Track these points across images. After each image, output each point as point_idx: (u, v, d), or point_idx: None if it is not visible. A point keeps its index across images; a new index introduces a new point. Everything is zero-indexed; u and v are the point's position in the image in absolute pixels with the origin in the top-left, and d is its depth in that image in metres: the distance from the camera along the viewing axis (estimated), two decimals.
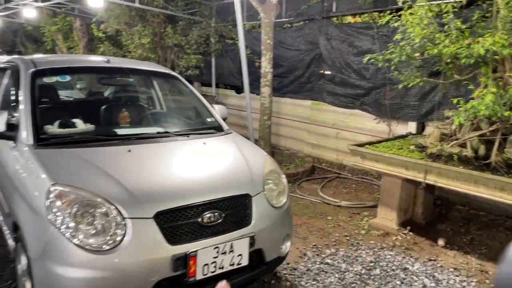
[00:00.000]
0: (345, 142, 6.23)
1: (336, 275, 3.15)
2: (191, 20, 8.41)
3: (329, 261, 3.37)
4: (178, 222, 2.22)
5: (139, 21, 8.00)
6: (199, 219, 2.27)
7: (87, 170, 2.30)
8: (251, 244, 2.43)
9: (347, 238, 3.86)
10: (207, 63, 8.79)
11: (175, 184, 2.36)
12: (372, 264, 3.33)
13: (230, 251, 2.33)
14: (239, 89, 8.82)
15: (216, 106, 3.63)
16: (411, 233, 3.91)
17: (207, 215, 2.30)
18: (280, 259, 2.78)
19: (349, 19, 6.12)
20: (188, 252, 2.16)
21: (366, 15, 5.86)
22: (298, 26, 6.89)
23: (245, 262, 2.41)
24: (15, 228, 2.45)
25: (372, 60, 3.98)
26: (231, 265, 2.35)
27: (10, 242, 2.76)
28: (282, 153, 6.84)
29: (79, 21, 11.54)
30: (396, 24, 3.79)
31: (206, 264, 2.25)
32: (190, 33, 8.28)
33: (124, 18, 8.16)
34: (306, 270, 3.21)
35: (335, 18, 6.35)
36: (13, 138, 2.67)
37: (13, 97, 3.15)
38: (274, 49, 6.56)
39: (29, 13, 10.08)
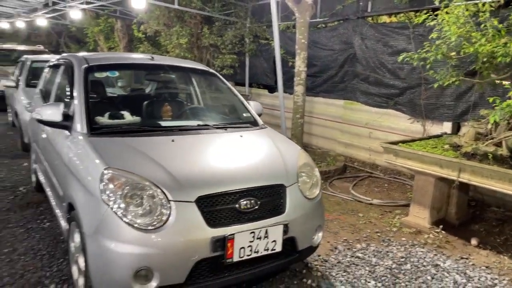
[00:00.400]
0: (378, 142, 6.22)
1: (367, 268, 3.22)
2: (227, 21, 8.63)
3: (359, 255, 3.44)
4: (217, 207, 2.37)
5: (177, 22, 8.30)
6: (237, 205, 2.42)
7: (135, 157, 2.50)
8: (285, 231, 2.55)
9: (378, 234, 3.91)
10: (241, 62, 8.99)
11: (215, 172, 2.52)
12: (403, 259, 3.38)
13: (265, 237, 2.47)
14: (271, 89, 8.96)
15: (252, 102, 3.78)
16: (443, 232, 3.91)
17: (244, 201, 2.44)
18: (312, 249, 2.88)
19: (384, 18, 6.13)
20: (226, 235, 2.32)
21: (401, 14, 5.85)
22: (332, 26, 6.95)
23: (278, 248, 2.54)
24: (70, 209, 2.70)
25: (407, 58, 4.01)
26: (265, 250, 2.49)
27: (63, 224, 3.02)
28: (314, 151, 6.91)
29: (120, 23, 12.05)
30: (432, 23, 3.81)
31: (243, 247, 2.39)
32: (226, 34, 8.51)
33: (163, 19, 8.49)
34: (337, 263, 3.30)
35: (370, 18, 6.37)
36: (67, 128, 2.93)
37: (67, 91, 3.44)
38: (308, 49, 6.66)
39: (75, 14, 10.64)
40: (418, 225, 4.03)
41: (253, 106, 3.72)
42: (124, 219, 2.19)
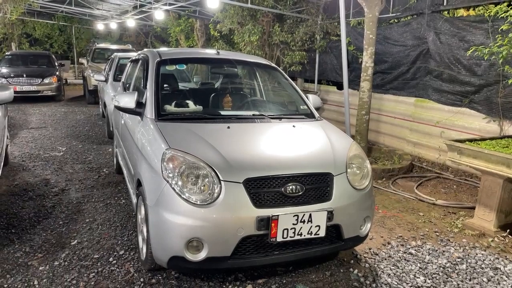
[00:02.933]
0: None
1: (418, 264, 3.17)
2: (298, 18, 8.75)
3: (413, 251, 3.38)
4: (263, 189, 2.54)
5: (250, 20, 8.61)
6: (282, 189, 2.56)
7: (194, 140, 2.76)
8: (329, 218, 2.64)
9: (437, 234, 3.78)
10: (310, 59, 9.06)
11: (263, 157, 2.70)
12: (459, 259, 3.26)
13: (309, 221, 2.58)
14: (341, 86, 8.89)
15: (310, 96, 3.88)
16: (510, 236, 3.67)
17: (290, 186, 2.58)
18: (358, 239, 2.93)
19: (461, 12, 5.79)
20: (271, 216, 2.48)
21: (480, 7, 5.49)
22: (405, 21, 6.73)
23: (322, 233, 2.64)
24: (138, 185, 3.06)
25: (477, 53, 3.81)
26: (308, 233, 2.60)
27: (134, 199, 3.41)
28: (380, 149, 6.77)
29: (199, 22, 12.76)
30: (505, 15, 3.58)
31: (286, 229, 2.53)
32: (296, 31, 8.63)
33: (237, 18, 8.86)
34: (388, 257, 3.29)
35: (445, 12, 6.06)
36: (140, 114, 3.30)
37: (142, 81, 3.85)
38: (378, 45, 6.54)
39: (159, 15, 11.50)
40: (482, 227, 3.83)
41: (311, 100, 3.82)
42: (180, 194, 2.46)
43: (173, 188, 2.47)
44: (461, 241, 3.63)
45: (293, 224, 2.55)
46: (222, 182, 2.49)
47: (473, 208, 4.33)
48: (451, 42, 5.82)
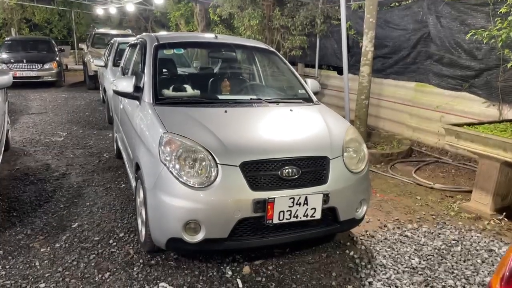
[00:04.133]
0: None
1: (414, 246, 3.21)
2: (299, 2, 8.66)
3: (408, 234, 3.43)
4: (260, 172, 2.57)
5: (250, 4, 8.52)
6: (278, 172, 2.59)
7: (191, 124, 2.78)
8: (325, 201, 2.67)
9: (433, 217, 3.82)
10: (311, 44, 8.99)
11: (260, 141, 2.72)
12: (454, 242, 3.30)
13: (305, 203, 2.61)
14: (341, 71, 8.83)
15: (309, 80, 3.88)
16: (506, 220, 3.71)
17: (286, 169, 2.61)
18: (354, 221, 2.97)
19: None
20: (267, 198, 2.51)
21: None
22: (406, 5, 6.66)
23: (318, 215, 2.67)
24: (137, 169, 3.09)
25: (476, 36, 3.79)
26: (304, 216, 2.64)
27: (133, 182, 3.44)
28: (380, 134, 6.78)
29: (199, 7, 12.64)
30: None
31: (282, 211, 2.57)
32: (297, 15, 8.55)
33: (237, 2, 8.78)
34: (383, 239, 3.33)
35: None
36: (138, 98, 3.31)
37: (140, 66, 3.84)
38: (379, 29, 6.48)
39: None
40: (478, 211, 3.86)
41: (309, 84, 3.82)
42: (178, 177, 2.49)
43: (170, 172, 2.50)
44: (457, 224, 3.68)
45: (289, 206, 2.58)
46: (219, 166, 2.52)
47: (470, 191, 4.36)
48: (452, 26, 5.78)
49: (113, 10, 17.17)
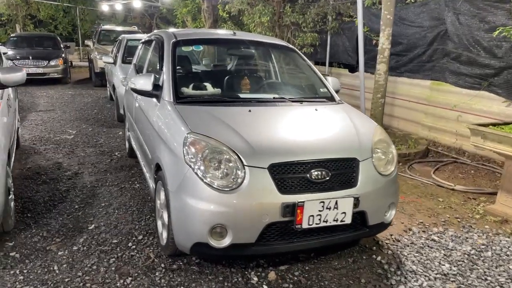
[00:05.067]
0: (467, 126, 5.81)
1: (442, 251, 3.10)
2: None
3: (435, 238, 3.32)
4: (288, 175, 2.46)
5: (260, 1, 8.39)
6: (308, 175, 2.48)
7: (215, 124, 2.68)
8: (355, 204, 2.56)
9: (458, 220, 3.71)
10: (322, 41, 8.86)
11: (288, 142, 2.61)
12: (483, 246, 3.19)
13: (335, 208, 2.51)
14: (352, 68, 8.72)
15: (330, 78, 3.78)
16: None
17: (315, 172, 2.50)
18: (383, 225, 2.86)
19: None
20: (296, 202, 2.40)
21: None
22: (422, 1, 6.52)
23: (348, 220, 2.57)
24: (157, 170, 2.99)
25: (504, 33, 3.67)
26: (334, 220, 2.53)
27: (151, 184, 3.34)
28: (395, 133, 6.66)
29: (206, 3, 12.49)
30: None
31: (312, 216, 2.46)
32: (308, 11, 8.42)
33: None
34: (410, 243, 3.22)
35: None
36: (156, 96, 3.21)
37: (157, 63, 3.74)
38: (393, 26, 6.34)
39: None
40: (505, 214, 3.74)
41: (330, 82, 3.72)
42: (203, 179, 2.38)
43: (196, 173, 2.40)
44: (484, 227, 3.56)
45: (319, 210, 2.48)
46: (246, 168, 2.41)
47: (493, 193, 4.26)
48: (471, 23, 5.64)
49: (119, 6, 17.07)
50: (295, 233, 2.52)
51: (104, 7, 19.32)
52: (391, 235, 3.34)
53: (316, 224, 2.49)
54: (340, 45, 8.64)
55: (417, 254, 3.05)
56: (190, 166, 2.42)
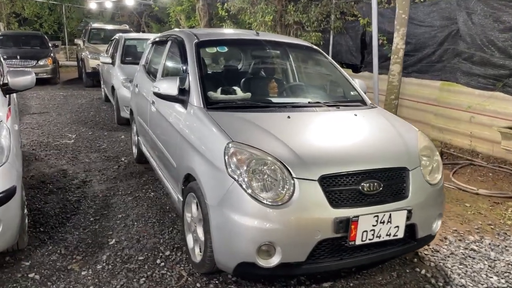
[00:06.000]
0: (481, 127, 5.75)
1: (485, 262, 2.97)
2: None
3: (474, 247, 3.19)
4: (340, 187, 2.28)
5: None
6: (360, 187, 2.31)
7: (256, 132, 2.48)
8: (408, 217, 2.41)
9: (492, 227, 3.59)
10: (325, 41, 8.71)
11: (337, 151, 2.43)
12: None
13: (388, 222, 2.34)
14: (356, 68, 8.60)
15: (357, 80, 3.61)
16: None
17: (367, 183, 2.33)
18: (430, 238, 2.71)
19: None
20: (351, 217, 2.23)
21: None
22: (432, 1, 6.43)
23: (400, 234, 2.41)
24: (186, 180, 2.78)
25: None
26: (387, 235, 2.37)
27: (174, 194, 3.12)
28: None
29: (202, 1, 12.24)
30: None
31: (365, 231, 2.29)
32: (310, 10, 8.26)
33: None
34: (450, 254, 3.08)
35: None
36: (183, 102, 2.99)
37: (177, 65, 3.52)
38: None
39: None
40: None
41: (358, 84, 3.55)
42: (250, 193, 2.18)
43: (242, 187, 2.20)
44: None
45: (373, 225, 2.31)
46: (295, 180, 2.22)
47: None
48: (484, 23, 5.56)
49: (108, 4, 16.62)
50: (345, 249, 2.35)
51: (92, 5, 18.83)
52: (428, 245, 3.19)
53: (370, 240, 2.32)
54: (343, 45, 8.52)
55: (461, 266, 2.91)
56: (235, 179, 2.22)
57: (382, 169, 2.41)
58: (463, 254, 3.08)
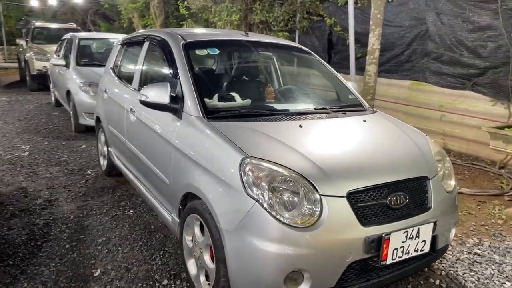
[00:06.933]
0: (451, 126, 5.88)
1: (493, 266, 2.93)
2: None
3: (478, 251, 3.15)
4: (368, 203, 2.10)
5: None
6: (387, 201, 2.14)
7: (270, 144, 2.22)
8: (433, 230, 2.27)
9: (486, 228, 3.60)
10: (292, 41, 8.59)
11: (361, 162, 2.23)
12: None
13: (416, 237, 2.19)
14: None
15: (350, 83, 3.47)
16: None
17: (394, 197, 2.16)
18: (446, 248, 2.60)
19: None
20: (383, 235, 2.05)
21: None
22: (400, 1, 6.49)
23: (427, 248, 2.27)
24: (184, 199, 2.47)
25: None
26: (415, 251, 2.22)
27: (168, 215, 2.79)
28: None
29: None
30: None
31: (396, 249, 2.13)
32: (274, 10, 8.09)
33: None
34: (456, 260, 3.02)
35: None
36: (175, 110, 2.66)
37: (162, 70, 3.17)
38: (368, 26, 6.24)
39: None
40: None
41: (352, 88, 3.41)
42: (275, 215, 1.93)
43: (265, 209, 1.94)
44: None
45: (402, 242, 2.15)
46: (322, 198, 2.00)
47: (499, 195, 4.28)
48: (454, 23, 5.67)
49: (53, 1, 15.45)
50: (372, 269, 2.16)
51: (34, 2, 17.46)
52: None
53: (399, 257, 2.16)
54: (309, 45, 8.43)
55: (472, 273, 2.84)
56: (257, 200, 1.96)
57: (406, 180, 2.25)
58: (469, 260, 3.02)
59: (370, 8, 6.33)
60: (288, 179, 2.01)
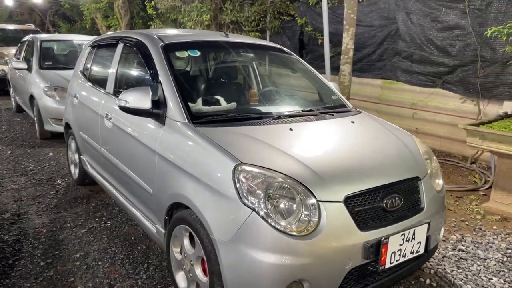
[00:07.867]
0: (423, 123, 6.01)
1: (478, 262, 2.98)
2: None
3: (462, 247, 3.19)
4: (364, 207, 2.05)
5: None
6: (383, 204, 2.11)
7: (262, 149, 2.14)
8: (427, 230, 2.27)
9: (466, 223, 3.67)
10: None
11: (355, 165, 2.19)
12: (509, 251, 3.16)
13: (412, 238, 2.18)
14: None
15: (331, 83, 3.44)
16: None
17: (389, 199, 2.13)
18: (436, 247, 2.61)
19: None
20: (382, 239, 2.01)
21: None
22: (371, 1, 6.57)
23: (422, 250, 2.26)
24: (170, 209, 2.36)
25: (495, 33, 3.71)
26: (411, 253, 2.20)
27: (152, 226, 2.65)
28: None
29: None
30: None
31: (393, 252, 2.10)
32: (244, 10, 8.01)
33: None
34: (442, 257, 3.05)
35: None
36: (157, 116, 2.53)
37: (140, 73, 3.02)
38: (340, 26, 6.29)
39: None
40: (501, 211, 3.82)
41: (334, 88, 3.38)
42: (273, 225, 1.85)
43: (262, 218, 1.85)
44: (493, 228, 3.56)
45: (400, 245, 2.12)
46: (320, 204, 1.94)
47: (474, 190, 4.40)
48: (423, 22, 5.80)
49: (9, 1, 14.65)
50: (370, 274, 2.12)
51: None
52: None
53: (397, 261, 2.13)
54: (280, 45, 8.38)
55: (459, 270, 2.88)
56: (253, 209, 1.87)
57: (400, 181, 2.23)
58: (455, 256, 3.06)
59: (340, 8, 6.40)
60: (284, 185, 1.94)
